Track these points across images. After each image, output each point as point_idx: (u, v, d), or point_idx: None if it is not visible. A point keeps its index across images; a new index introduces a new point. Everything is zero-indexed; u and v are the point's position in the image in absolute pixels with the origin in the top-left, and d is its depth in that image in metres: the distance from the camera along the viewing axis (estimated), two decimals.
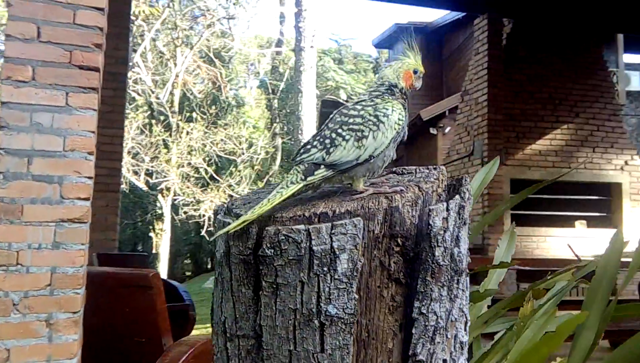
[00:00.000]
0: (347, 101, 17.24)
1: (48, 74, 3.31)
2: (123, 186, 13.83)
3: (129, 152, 13.15)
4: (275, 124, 15.22)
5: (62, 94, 3.34)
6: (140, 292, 3.56)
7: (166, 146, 14.07)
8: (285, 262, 0.96)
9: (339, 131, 1.15)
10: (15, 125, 3.22)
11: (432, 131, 16.82)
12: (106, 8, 3.61)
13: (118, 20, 7.44)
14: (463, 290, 1.03)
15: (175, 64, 14.20)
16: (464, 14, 16.93)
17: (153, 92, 13.84)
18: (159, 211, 16.04)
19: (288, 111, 17.53)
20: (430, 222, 0.98)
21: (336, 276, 0.95)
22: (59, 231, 3.27)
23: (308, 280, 0.95)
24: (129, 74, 13.35)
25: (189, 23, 14.95)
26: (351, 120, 1.16)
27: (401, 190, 1.03)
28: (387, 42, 22.05)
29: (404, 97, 1.24)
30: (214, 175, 14.26)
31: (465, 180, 1.10)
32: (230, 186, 13.86)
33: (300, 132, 13.02)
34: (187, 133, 14.07)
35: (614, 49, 16.11)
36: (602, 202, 10.53)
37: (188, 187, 13.90)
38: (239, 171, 14.60)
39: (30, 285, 3.20)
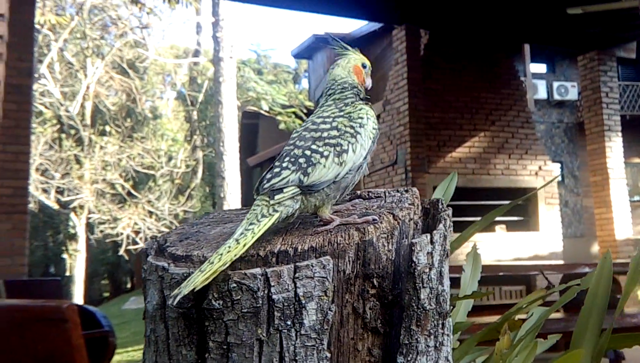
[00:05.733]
0: (267, 112, 17.03)
1: None
2: (31, 205, 12.92)
3: (37, 169, 12.28)
4: (195, 137, 14.78)
5: None
6: (53, 327, 3.22)
7: (78, 162, 13.31)
8: (238, 316, 0.77)
9: (314, 147, 0.97)
10: None
11: None
12: (6, 15, 3.26)
13: (21, 29, 6.92)
14: (448, 335, 0.88)
15: (85, 75, 13.50)
16: (380, 25, 17.23)
17: (62, 105, 13.07)
18: (72, 231, 15.13)
19: (208, 122, 17.11)
20: (414, 259, 0.81)
21: (303, 331, 0.76)
22: None
23: (268, 337, 0.76)
24: (35, 86, 12.53)
25: (100, 32, 14.29)
26: (325, 133, 0.99)
27: (374, 220, 0.86)
28: (306, 52, 22.10)
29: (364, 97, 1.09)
30: (132, 191, 13.62)
31: (442, 203, 0.95)
32: (149, 201, 13.28)
33: (221, 144, 12.66)
34: (101, 147, 13.37)
35: (522, 59, 16.88)
36: (520, 206, 10.90)
37: (104, 204, 13.19)
38: (159, 186, 14.03)
39: None
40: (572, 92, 19.00)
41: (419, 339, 0.81)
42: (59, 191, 13.12)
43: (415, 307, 0.81)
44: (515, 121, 11.01)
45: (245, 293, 0.77)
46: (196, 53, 15.01)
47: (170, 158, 15.10)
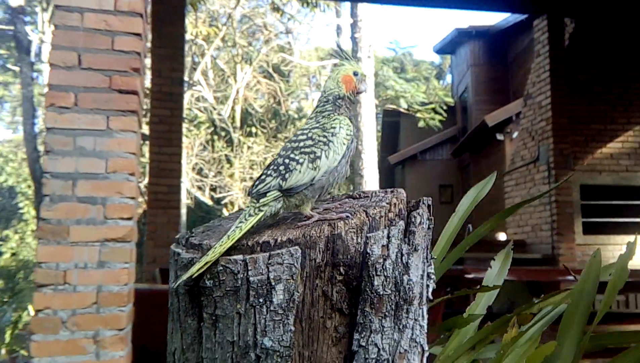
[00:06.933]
0: (407, 110, 17.04)
1: (89, 99, 3.43)
2: (189, 201, 14.28)
3: (193, 168, 13.59)
4: None
5: (103, 118, 3.45)
6: None
7: (228, 161, 14.40)
8: (224, 293, 0.95)
9: (292, 156, 1.14)
10: (59, 149, 3.35)
11: (499, 137, 16.31)
12: (144, 33, 3.71)
13: (173, 42, 7.72)
14: (416, 320, 0.98)
15: (235, 81, 14.55)
16: (526, 15, 16.42)
17: (215, 109, 14.24)
18: None
19: None
20: (368, 250, 0.94)
21: (272, 308, 0.92)
22: (104, 251, 3.37)
23: (245, 311, 0.93)
24: (191, 92, 13.79)
25: (248, 40, 15.29)
26: (302, 143, 1.15)
27: (347, 216, 0.99)
28: (449, 47, 21.64)
29: (350, 104, 1.22)
30: None
31: (423, 203, 1.05)
32: None
33: (359, 142, 12.95)
34: (248, 148, 14.34)
35: None
36: None
37: None
38: None
39: (78, 304, 3.30)
40: None
41: (372, 319, 0.93)
42: (213, 189, 14.28)
43: (369, 292, 0.93)
44: None
45: (229, 275, 0.94)
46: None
47: None
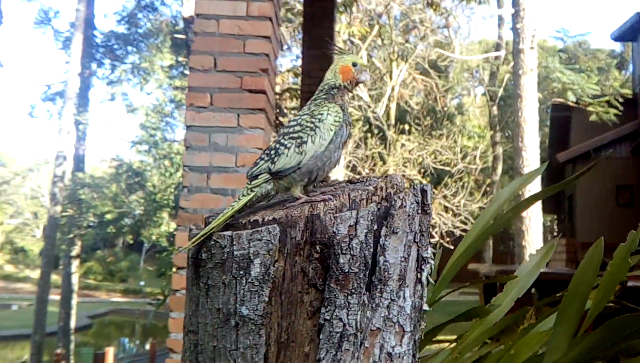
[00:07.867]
0: (576, 103, 15.76)
1: (223, 99, 3.75)
2: None
3: (347, 166, 13.94)
4: (494, 132, 14.66)
5: (235, 116, 3.75)
6: None
7: (382, 159, 14.54)
8: (214, 265, 1.05)
9: (282, 141, 1.21)
10: (197, 145, 3.71)
11: None
12: (274, 36, 3.96)
13: (322, 43, 8.00)
14: (392, 300, 0.99)
15: (390, 78, 14.64)
16: None
17: (370, 107, 14.46)
18: None
19: (511, 118, 16.71)
20: (334, 229, 0.97)
21: (250, 280, 1.00)
22: None
23: (228, 282, 1.02)
24: None
25: (405, 36, 15.27)
26: (291, 129, 1.22)
27: (329, 198, 1.04)
28: (629, 34, 19.53)
29: (345, 93, 1.25)
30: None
31: (414, 188, 1.05)
32: (445, 197, 13.73)
33: (520, 139, 12.30)
34: (402, 145, 14.35)
35: None
36: None
37: None
38: (455, 181, 14.37)
39: None
40: None
41: (337, 295, 0.96)
42: None
43: (335, 269, 0.96)
44: None
45: (218, 249, 1.04)
46: (498, 47, 14.83)
47: (465, 155, 15.28)
